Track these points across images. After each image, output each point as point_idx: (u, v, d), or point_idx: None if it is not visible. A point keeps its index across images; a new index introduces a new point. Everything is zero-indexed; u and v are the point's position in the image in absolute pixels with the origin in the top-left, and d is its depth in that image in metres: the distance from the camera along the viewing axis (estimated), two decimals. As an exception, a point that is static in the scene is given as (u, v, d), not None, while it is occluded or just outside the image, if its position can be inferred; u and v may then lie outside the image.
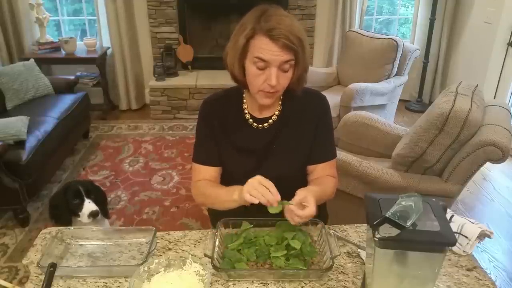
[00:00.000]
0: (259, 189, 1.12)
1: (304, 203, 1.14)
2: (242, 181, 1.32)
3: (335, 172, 1.44)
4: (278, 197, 1.12)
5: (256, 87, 1.23)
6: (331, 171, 1.41)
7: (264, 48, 1.15)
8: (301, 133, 1.36)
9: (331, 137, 1.41)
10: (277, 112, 1.35)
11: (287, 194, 1.21)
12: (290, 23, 1.16)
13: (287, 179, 1.35)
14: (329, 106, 1.41)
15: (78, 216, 1.81)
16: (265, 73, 1.18)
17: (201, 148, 1.40)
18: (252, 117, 1.35)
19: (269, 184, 1.14)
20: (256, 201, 1.12)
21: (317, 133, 1.37)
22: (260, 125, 1.35)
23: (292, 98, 1.34)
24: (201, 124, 1.39)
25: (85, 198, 1.80)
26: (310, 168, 1.41)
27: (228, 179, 1.38)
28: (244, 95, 1.37)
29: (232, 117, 1.36)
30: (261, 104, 1.29)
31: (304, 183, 1.38)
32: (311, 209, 1.13)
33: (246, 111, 1.35)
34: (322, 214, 1.49)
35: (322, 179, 1.38)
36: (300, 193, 1.16)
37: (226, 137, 1.36)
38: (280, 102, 1.35)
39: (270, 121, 1.35)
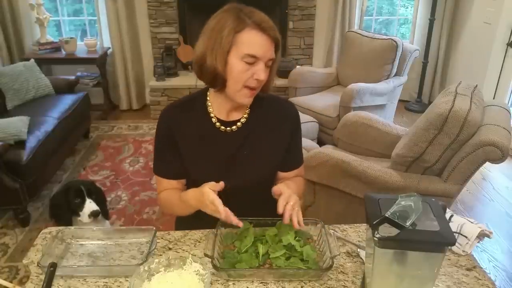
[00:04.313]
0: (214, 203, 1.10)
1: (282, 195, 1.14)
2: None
3: (303, 172, 1.46)
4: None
5: (240, 83, 1.17)
6: (300, 173, 1.44)
7: (256, 43, 1.13)
8: (272, 139, 1.32)
9: (301, 143, 1.42)
10: (245, 115, 1.30)
11: (257, 200, 1.20)
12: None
13: (257, 185, 1.31)
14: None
15: (79, 215, 1.82)
16: (252, 68, 1.16)
17: (159, 160, 1.35)
18: (219, 120, 1.29)
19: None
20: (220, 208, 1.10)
21: (292, 140, 1.35)
22: (228, 128, 1.28)
23: (260, 101, 1.29)
24: (159, 135, 1.31)
25: (87, 197, 1.81)
26: (282, 174, 1.39)
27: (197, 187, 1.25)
28: (208, 98, 1.30)
29: (196, 122, 1.29)
30: (240, 104, 1.24)
31: None
32: (292, 198, 1.13)
33: (212, 114, 1.29)
34: None
35: (293, 178, 1.39)
36: (277, 188, 1.17)
37: (192, 144, 1.29)
38: (248, 106, 1.30)
39: (239, 123, 1.29)
